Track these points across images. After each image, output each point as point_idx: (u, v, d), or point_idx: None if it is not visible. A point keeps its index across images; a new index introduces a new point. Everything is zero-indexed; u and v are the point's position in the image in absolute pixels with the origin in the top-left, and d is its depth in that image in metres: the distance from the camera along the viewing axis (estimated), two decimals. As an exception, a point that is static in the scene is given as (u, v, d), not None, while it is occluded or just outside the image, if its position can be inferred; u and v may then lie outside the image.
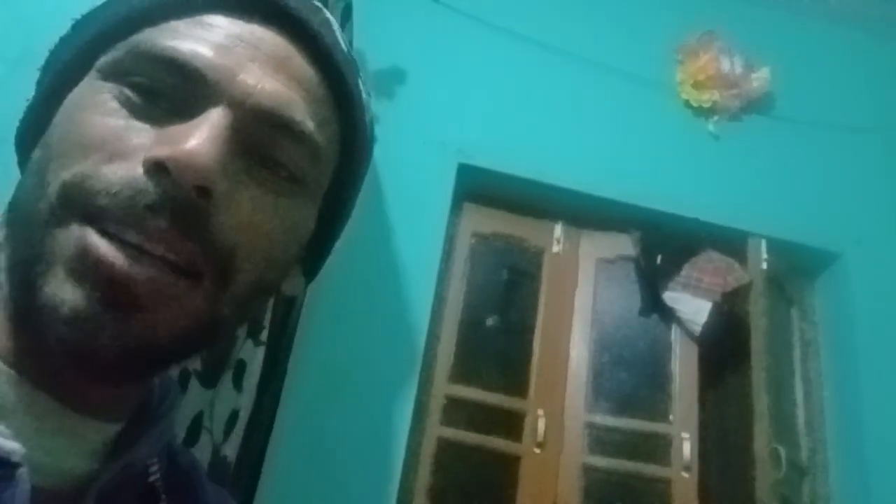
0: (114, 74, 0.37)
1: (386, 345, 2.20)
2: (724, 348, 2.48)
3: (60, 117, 0.38)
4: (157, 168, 0.34)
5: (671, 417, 2.38)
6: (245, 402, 1.81)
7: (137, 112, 0.36)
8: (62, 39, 0.43)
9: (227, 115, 0.36)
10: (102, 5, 0.42)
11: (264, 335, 1.79)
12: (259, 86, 0.38)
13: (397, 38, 2.51)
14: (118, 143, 0.35)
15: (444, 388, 2.32)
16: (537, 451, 2.28)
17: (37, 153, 0.38)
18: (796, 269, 2.64)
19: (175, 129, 0.35)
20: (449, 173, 2.45)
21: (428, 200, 2.40)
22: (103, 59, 0.38)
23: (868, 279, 2.53)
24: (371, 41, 2.27)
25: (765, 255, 2.46)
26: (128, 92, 0.36)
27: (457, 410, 2.31)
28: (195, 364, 1.45)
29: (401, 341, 2.22)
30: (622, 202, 2.55)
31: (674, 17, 2.80)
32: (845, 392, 2.43)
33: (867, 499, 2.22)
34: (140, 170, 0.34)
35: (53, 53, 0.43)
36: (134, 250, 0.34)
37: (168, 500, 0.44)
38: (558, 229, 2.61)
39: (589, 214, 2.62)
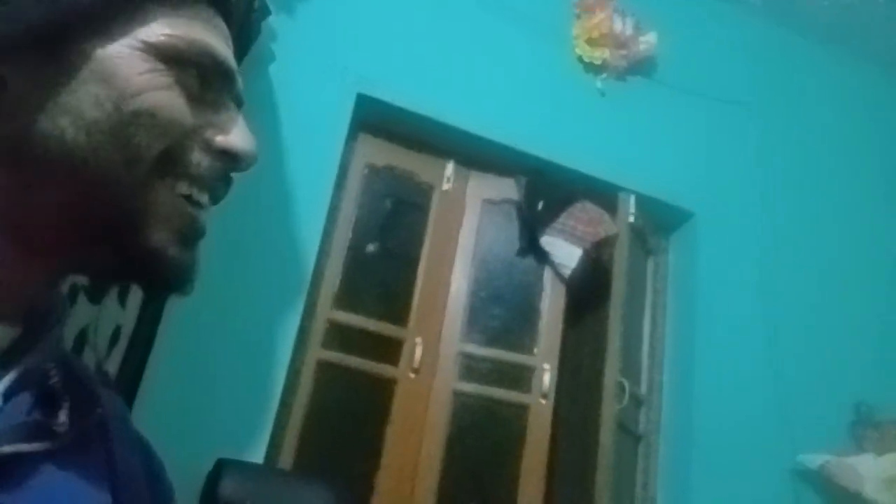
0: (173, 61, 0.45)
1: (273, 268, 2.21)
2: (588, 291, 2.71)
3: (125, 86, 0.43)
4: (228, 155, 0.48)
5: (536, 350, 2.60)
6: (128, 318, 1.79)
7: (193, 97, 0.46)
8: None
9: None
10: None
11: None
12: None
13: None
14: (189, 123, 0.46)
15: (327, 313, 2.38)
16: (412, 375, 2.42)
17: (99, 114, 0.42)
18: (656, 223, 2.90)
19: (228, 122, 0.49)
20: (347, 102, 2.44)
21: (324, 127, 2.38)
22: (153, 39, 0.45)
23: (715, 238, 2.84)
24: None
25: (632, 210, 2.68)
26: (186, 80, 0.46)
27: (338, 335, 2.38)
28: (83, 279, 1.42)
29: (288, 265, 2.24)
30: (511, 147, 2.65)
31: (577, -29, 2.88)
32: (683, 336, 2.75)
33: (690, 427, 2.57)
34: (213, 150, 0.47)
35: None
36: (204, 209, 0.48)
37: (69, 402, 0.46)
38: (449, 168, 2.68)
39: (479, 156, 2.71)
